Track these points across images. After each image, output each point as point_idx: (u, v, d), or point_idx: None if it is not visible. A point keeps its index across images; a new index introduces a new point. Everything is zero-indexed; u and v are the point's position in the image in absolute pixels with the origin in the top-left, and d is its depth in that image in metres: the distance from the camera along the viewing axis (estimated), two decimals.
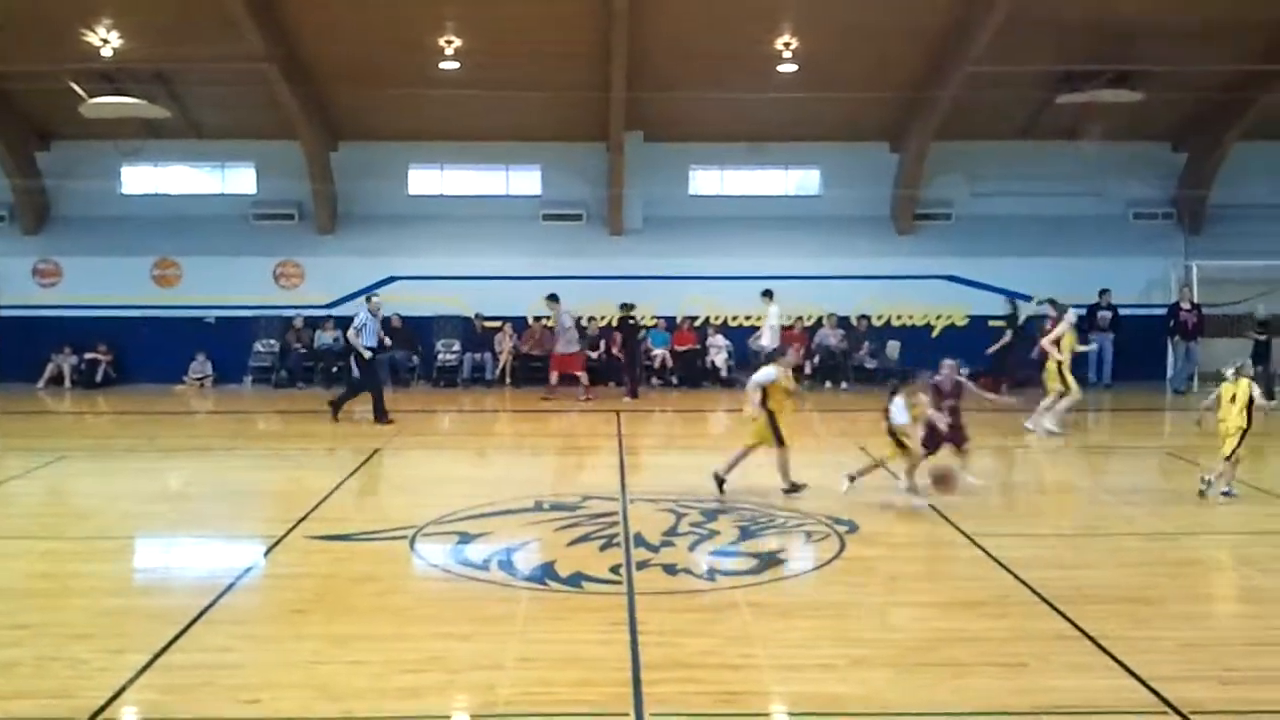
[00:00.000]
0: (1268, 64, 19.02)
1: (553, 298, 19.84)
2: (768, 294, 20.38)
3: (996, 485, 13.21)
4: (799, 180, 23.79)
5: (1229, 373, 11.81)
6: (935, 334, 21.84)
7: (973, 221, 22.49)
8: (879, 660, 6.89)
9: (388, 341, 17.92)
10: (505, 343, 21.63)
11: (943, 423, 11.54)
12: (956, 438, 11.85)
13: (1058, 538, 10.17)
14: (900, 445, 11.50)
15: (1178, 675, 6.63)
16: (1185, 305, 20.51)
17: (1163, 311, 21.04)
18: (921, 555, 9.62)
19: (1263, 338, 20.33)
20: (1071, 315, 16.09)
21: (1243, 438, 11.48)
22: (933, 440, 11.65)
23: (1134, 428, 18.28)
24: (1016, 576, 8.71)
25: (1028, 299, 20.80)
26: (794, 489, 11.84)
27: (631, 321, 20.74)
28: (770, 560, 9.30)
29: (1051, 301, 19.00)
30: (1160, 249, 21.94)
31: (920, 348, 21.71)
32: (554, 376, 19.96)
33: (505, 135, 22.21)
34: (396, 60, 19.57)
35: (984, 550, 9.51)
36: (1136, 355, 20.97)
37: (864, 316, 22.13)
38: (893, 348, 21.81)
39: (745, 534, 10.11)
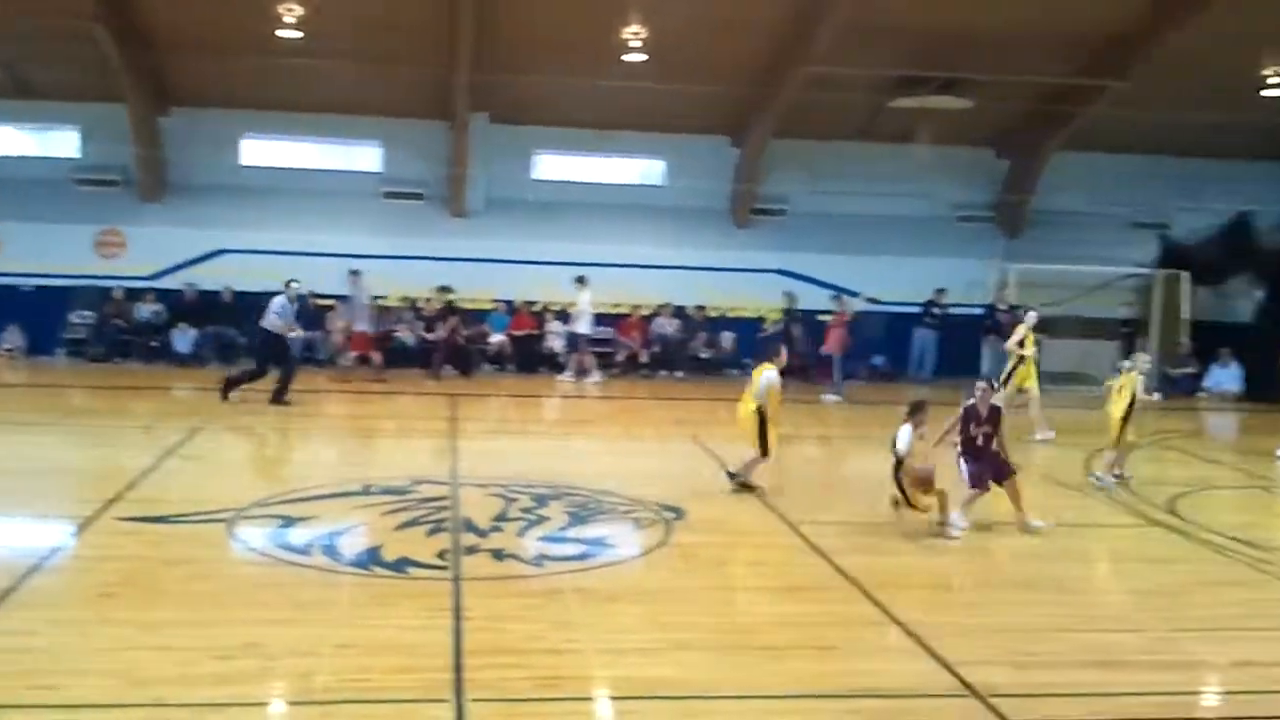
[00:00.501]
0: (1088, 78, 20.04)
1: (354, 273, 19.69)
2: (581, 280, 20.46)
3: (817, 475, 13.63)
4: (643, 169, 23.94)
5: (1124, 364, 12.65)
6: (766, 326, 22.34)
7: (807, 218, 23.04)
8: (699, 644, 7.05)
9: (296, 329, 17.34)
10: (337, 322, 21.16)
11: (924, 475, 10.02)
12: (1000, 470, 10.46)
13: (873, 526, 10.54)
14: (903, 495, 10.08)
15: (978, 659, 6.98)
16: (1002, 306, 21.49)
17: (980, 310, 21.98)
18: (745, 542, 9.86)
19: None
20: (1032, 316, 16.03)
21: (1124, 426, 12.38)
22: (980, 479, 10.36)
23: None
24: (833, 563, 9.02)
25: (855, 294, 21.47)
26: (744, 487, 11.47)
27: (449, 304, 20.56)
28: (598, 546, 9.38)
29: (838, 298, 19.77)
30: (981, 251, 22.90)
31: (752, 339, 22.23)
32: (352, 357, 19.77)
33: (346, 108, 21.68)
34: (234, 25, 18.88)
35: (804, 538, 9.81)
36: (956, 351, 21.84)
37: (700, 307, 22.46)
38: (727, 338, 22.21)
39: (575, 520, 10.17)
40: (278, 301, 16.68)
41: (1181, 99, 19.80)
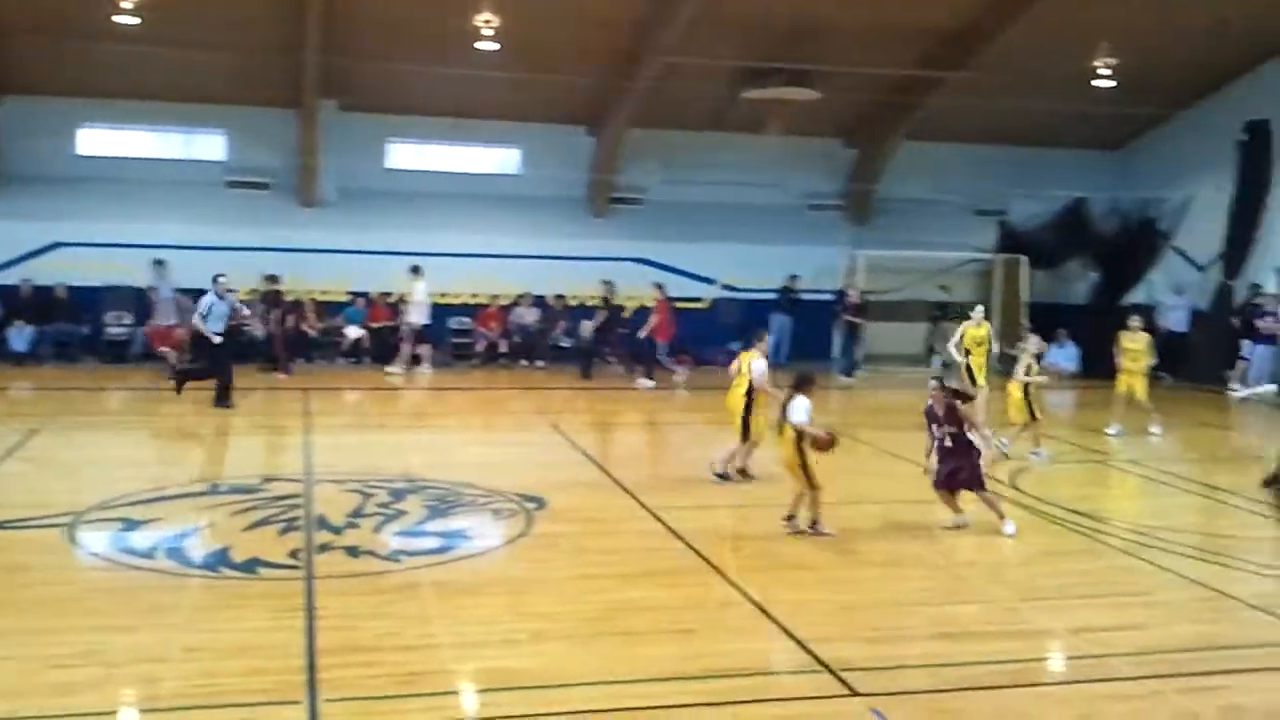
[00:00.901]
0: (930, 70, 20.67)
1: (158, 263, 19.12)
2: (415, 270, 20.20)
3: (675, 460, 13.77)
4: (500, 159, 23.77)
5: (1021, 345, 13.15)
6: (627, 314, 22.46)
7: (664, 207, 23.23)
8: (558, 633, 7.06)
9: (246, 317, 16.60)
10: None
11: (824, 439, 9.70)
12: (972, 478, 9.99)
13: (731, 509, 10.72)
14: (804, 467, 9.67)
15: (831, 636, 7.16)
16: (852, 291, 22.03)
17: (831, 296, 22.51)
18: (604, 530, 9.88)
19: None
20: (979, 311, 16.12)
21: (1027, 399, 13.35)
22: (944, 479, 10.00)
23: None
24: (691, 547, 9.13)
25: (712, 282, 21.76)
26: (742, 474, 11.61)
27: (276, 293, 20.01)
28: (457, 539, 9.31)
29: (658, 285, 20.00)
30: (831, 238, 23.45)
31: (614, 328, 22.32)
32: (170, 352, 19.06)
33: (188, 96, 20.95)
34: (70, 10, 18.05)
35: (663, 523, 9.90)
36: (809, 336, 22.31)
37: (560, 296, 22.44)
38: (586, 327, 22.24)
39: (433, 513, 10.06)
40: (204, 301, 15.92)
41: (1017, 90, 20.61)
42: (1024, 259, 23.11)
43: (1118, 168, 24.38)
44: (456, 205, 22.39)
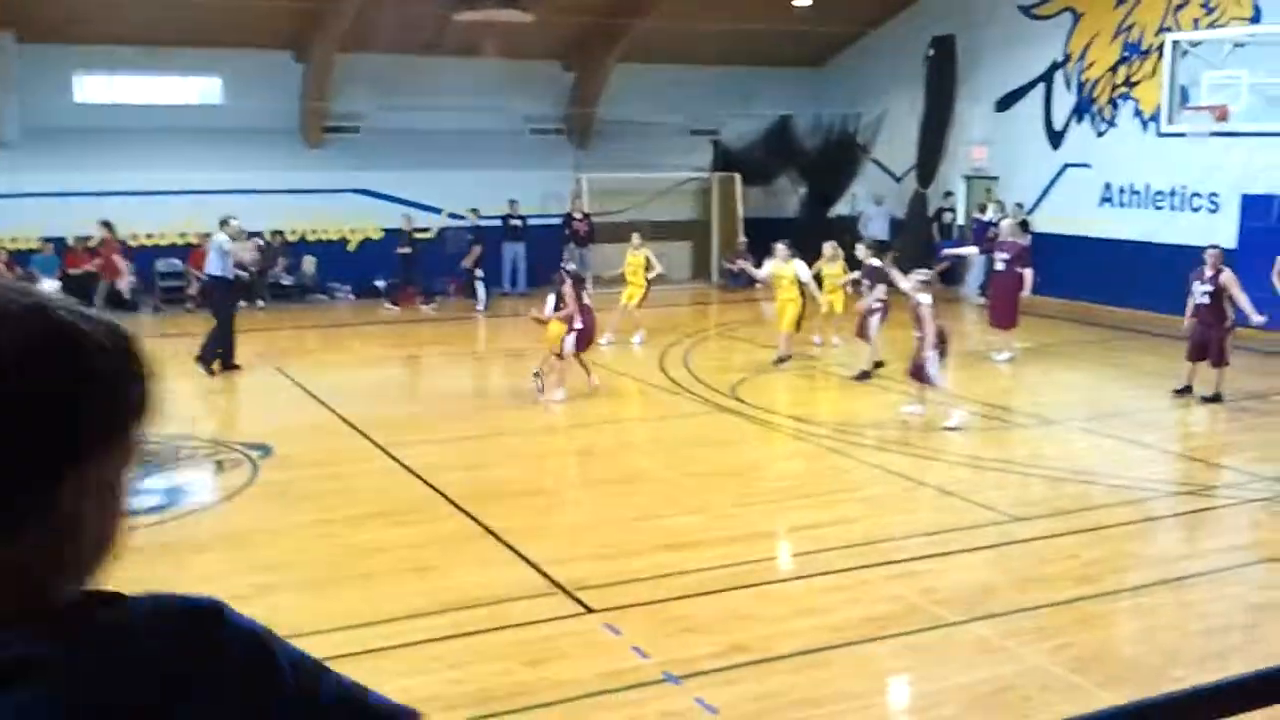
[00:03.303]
0: None
1: None
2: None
3: (411, 394, 13.66)
4: (200, 89, 22.39)
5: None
6: (351, 248, 21.84)
7: (382, 135, 22.57)
8: (291, 584, 6.95)
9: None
10: None
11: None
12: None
13: (466, 441, 10.77)
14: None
15: (565, 557, 7.38)
16: (577, 215, 22.23)
17: (559, 221, 22.65)
18: (336, 473, 9.71)
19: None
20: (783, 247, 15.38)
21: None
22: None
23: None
24: (426, 482, 9.13)
25: (438, 211, 21.44)
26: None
27: None
28: (177, 495, 8.95)
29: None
30: (555, 163, 23.47)
31: (337, 263, 21.72)
32: None
33: None
34: None
35: (397, 460, 9.84)
36: (542, 262, 22.35)
37: (278, 232, 21.55)
38: (309, 263, 21.51)
39: (149, 469, 9.59)
40: (220, 240, 14.41)
41: (724, 11, 21.14)
42: (738, 176, 23.93)
43: (819, 85, 25.48)
44: (156, 140, 20.98)
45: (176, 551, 7.50)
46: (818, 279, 15.13)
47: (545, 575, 7.05)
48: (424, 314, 19.67)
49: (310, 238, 21.80)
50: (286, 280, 21.27)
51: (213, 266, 14.55)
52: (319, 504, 8.74)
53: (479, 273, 20.51)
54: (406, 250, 20.62)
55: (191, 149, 21.04)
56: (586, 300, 12.75)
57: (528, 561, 7.31)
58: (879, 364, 13.54)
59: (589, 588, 6.81)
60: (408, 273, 20.74)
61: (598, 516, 8.38)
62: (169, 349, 17.49)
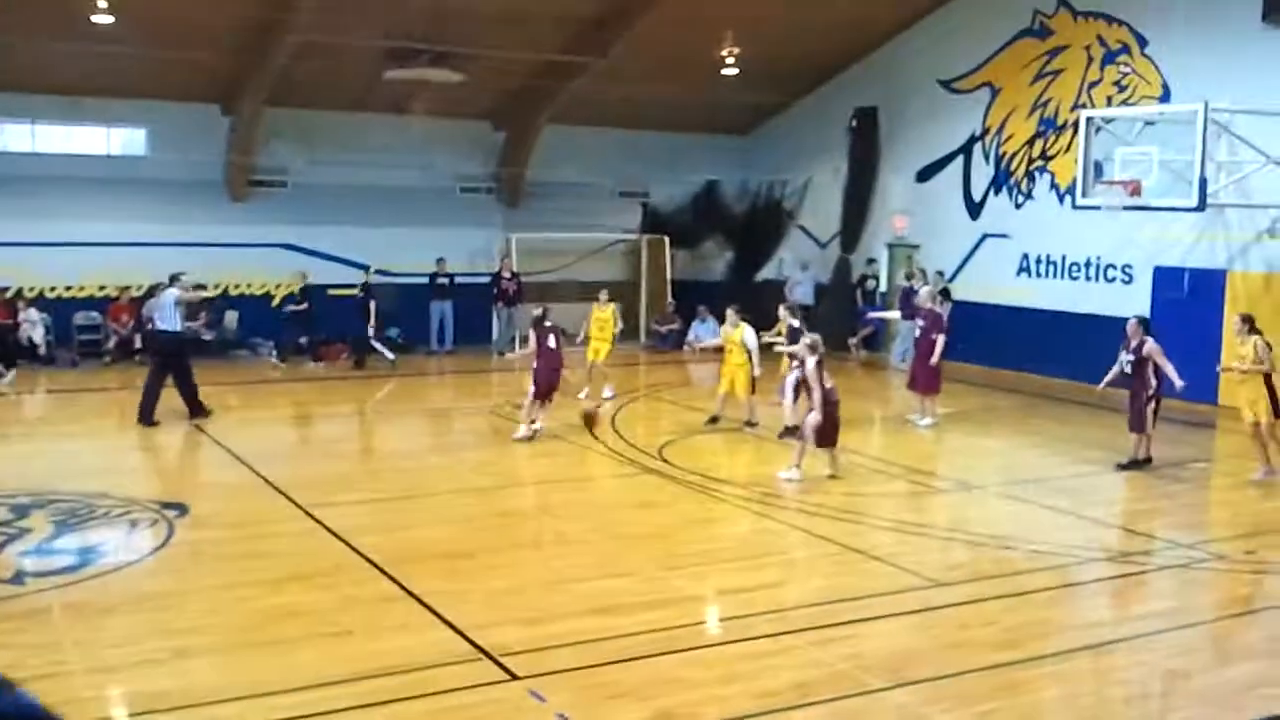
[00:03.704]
0: (572, 55, 21.08)
1: None
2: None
3: (332, 453, 13.45)
4: (123, 139, 22.11)
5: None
6: (276, 303, 21.55)
7: (309, 190, 22.42)
8: (203, 648, 6.75)
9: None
10: None
11: None
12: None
13: (389, 501, 10.61)
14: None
15: (489, 622, 7.26)
16: (506, 274, 22.22)
17: (488, 279, 22.61)
18: (254, 534, 9.49)
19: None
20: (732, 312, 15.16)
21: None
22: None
23: (466, 389, 19.53)
24: (348, 544, 8.96)
25: (365, 267, 21.27)
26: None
27: None
28: (90, 555, 8.67)
29: (301, 274, 19.64)
30: (484, 221, 23.48)
31: (260, 317, 21.41)
32: None
33: None
34: None
35: (317, 521, 9.65)
36: (470, 321, 22.31)
37: (200, 286, 21.15)
38: (231, 318, 21.17)
39: (62, 529, 9.33)
40: (172, 294, 14.49)
41: (654, 78, 21.45)
42: (666, 239, 24.15)
43: (746, 152, 25.88)
44: (77, 190, 20.61)
45: (88, 614, 7.28)
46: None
47: (469, 640, 6.93)
48: (311, 371, 19.40)
49: (233, 292, 21.47)
50: (207, 335, 20.87)
51: (166, 321, 14.49)
52: (235, 565, 8.53)
53: (377, 329, 20.06)
54: (301, 307, 20.39)
55: (114, 200, 20.73)
56: (552, 344, 13.38)
57: (450, 626, 7.19)
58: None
59: (514, 653, 6.71)
60: (302, 329, 20.51)
61: (523, 579, 8.28)
62: (85, 403, 17.08)
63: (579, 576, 8.33)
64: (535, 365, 13.33)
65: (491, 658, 6.68)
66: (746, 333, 14.31)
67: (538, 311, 14.02)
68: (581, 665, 6.62)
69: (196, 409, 14.47)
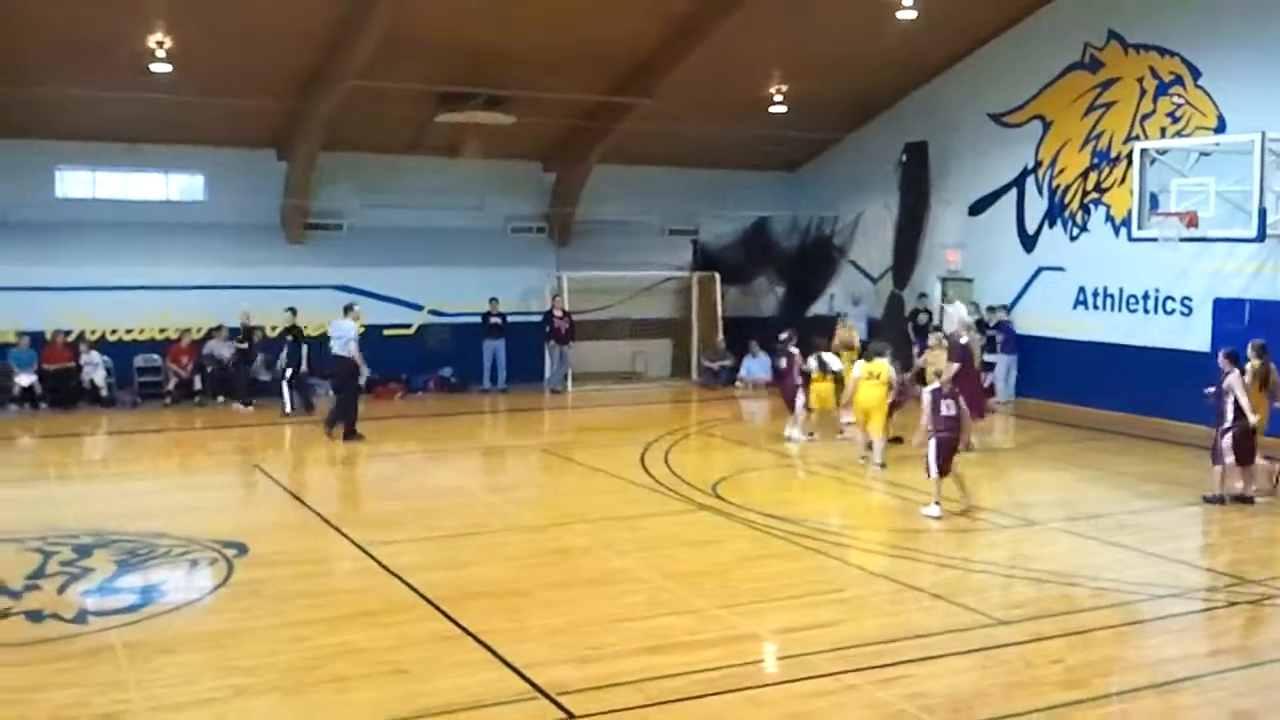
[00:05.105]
0: (619, 96, 21.27)
1: None
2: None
3: (389, 491, 13.53)
4: (181, 185, 22.56)
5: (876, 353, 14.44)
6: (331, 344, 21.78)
7: (364, 232, 22.73)
8: (263, 687, 6.79)
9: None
10: None
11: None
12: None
13: (444, 539, 10.64)
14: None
15: (545, 660, 7.24)
16: (558, 312, 22.35)
17: (539, 318, 22.75)
18: (311, 572, 9.57)
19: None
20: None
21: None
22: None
23: (520, 427, 19.59)
24: (404, 582, 8.99)
25: (420, 308, 21.50)
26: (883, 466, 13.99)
27: None
28: (151, 594, 8.78)
29: (244, 312, 19.98)
30: (535, 260, 23.66)
31: (321, 358, 21.63)
32: None
33: None
34: None
35: (374, 559, 9.71)
36: (522, 359, 22.43)
37: (257, 328, 21.51)
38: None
39: (124, 568, 9.45)
40: (350, 328, 16.47)
41: (702, 116, 21.57)
42: (717, 275, 24.17)
43: (796, 188, 25.90)
44: (137, 235, 21.04)
45: (149, 653, 7.35)
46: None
47: (525, 678, 6.92)
48: (238, 413, 19.31)
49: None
50: (265, 376, 21.15)
51: (341, 348, 16.46)
52: (293, 605, 8.58)
53: (288, 374, 19.34)
54: (243, 345, 20.26)
55: (173, 244, 21.13)
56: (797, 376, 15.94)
57: (507, 664, 7.18)
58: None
59: (571, 692, 6.68)
60: (239, 370, 20.31)
61: (579, 617, 8.25)
62: (145, 444, 17.35)
63: (635, 615, 8.29)
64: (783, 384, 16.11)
65: (548, 696, 6.66)
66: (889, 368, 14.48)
67: (784, 335, 16.64)
68: (639, 704, 6.57)
69: (351, 433, 16.19)
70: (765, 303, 24.96)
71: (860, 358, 14.97)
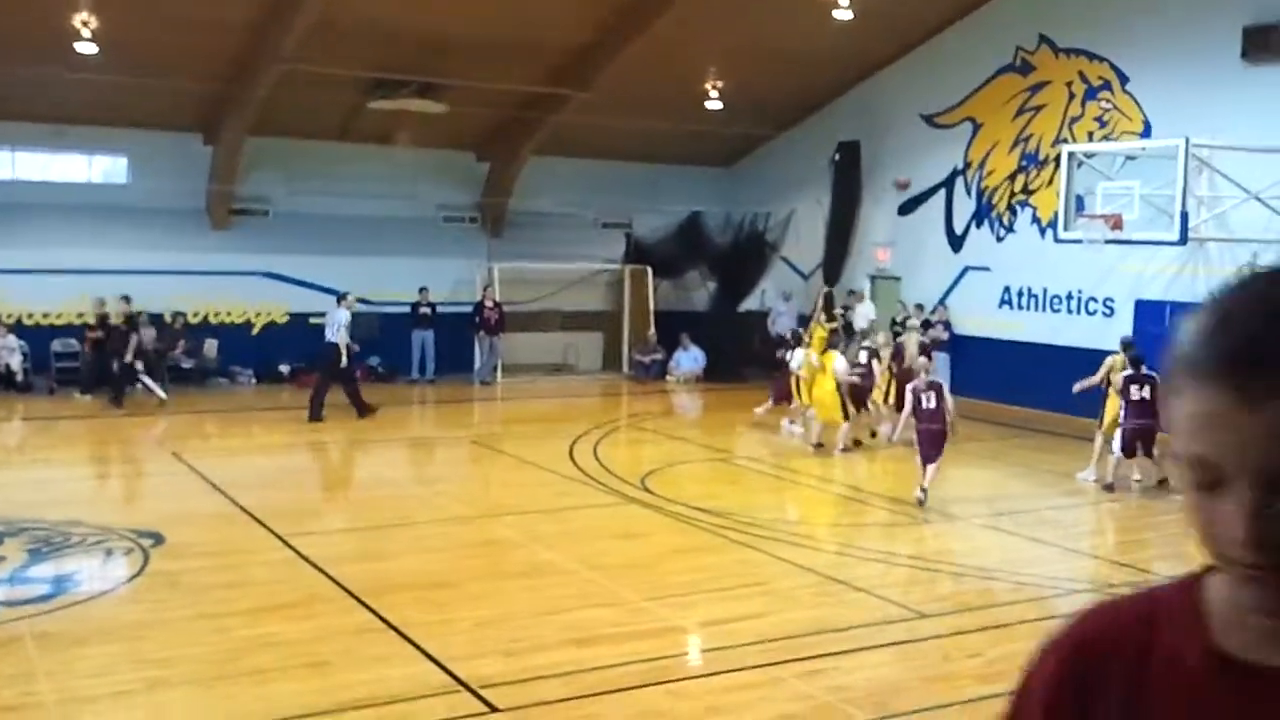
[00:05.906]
0: (554, 87, 21.16)
1: None
2: (342, 298, 17.99)
3: (312, 482, 13.34)
4: (104, 167, 22.04)
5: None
6: (256, 331, 21.45)
7: (291, 219, 22.36)
8: (178, 679, 6.63)
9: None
10: None
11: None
12: None
13: (369, 531, 10.51)
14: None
15: (470, 653, 7.17)
16: (488, 303, 22.18)
17: (470, 308, 22.56)
18: (230, 563, 9.36)
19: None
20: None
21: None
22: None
23: (448, 418, 19.44)
24: (326, 574, 8.85)
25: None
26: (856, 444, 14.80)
27: None
28: (64, 584, 8.54)
29: (99, 300, 19.16)
30: (467, 250, 23.45)
31: (240, 346, 21.31)
32: None
33: None
34: None
35: (295, 550, 9.54)
36: (451, 350, 22.24)
37: (179, 314, 21.08)
38: (210, 346, 21.04)
39: (36, 557, 9.19)
40: (344, 315, 17.19)
41: (637, 110, 21.52)
42: (649, 269, 24.17)
43: (730, 184, 25.97)
44: (57, 217, 20.50)
45: (61, 645, 7.14)
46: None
47: (448, 672, 6.83)
48: (77, 403, 18.58)
49: (213, 320, 21.37)
50: (187, 363, 20.76)
51: (332, 335, 17.12)
52: (211, 596, 8.40)
53: (139, 365, 18.60)
54: (98, 335, 19.39)
55: (95, 228, 20.62)
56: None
57: (430, 658, 7.09)
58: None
59: (494, 685, 6.61)
60: (98, 359, 19.29)
61: (504, 610, 8.18)
62: (61, 431, 16.91)
63: (562, 607, 8.23)
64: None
65: (471, 690, 6.58)
66: (839, 361, 14.84)
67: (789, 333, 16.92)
68: (563, 697, 6.53)
69: (363, 409, 16.90)
70: (697, 297, 25.00)
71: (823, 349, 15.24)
